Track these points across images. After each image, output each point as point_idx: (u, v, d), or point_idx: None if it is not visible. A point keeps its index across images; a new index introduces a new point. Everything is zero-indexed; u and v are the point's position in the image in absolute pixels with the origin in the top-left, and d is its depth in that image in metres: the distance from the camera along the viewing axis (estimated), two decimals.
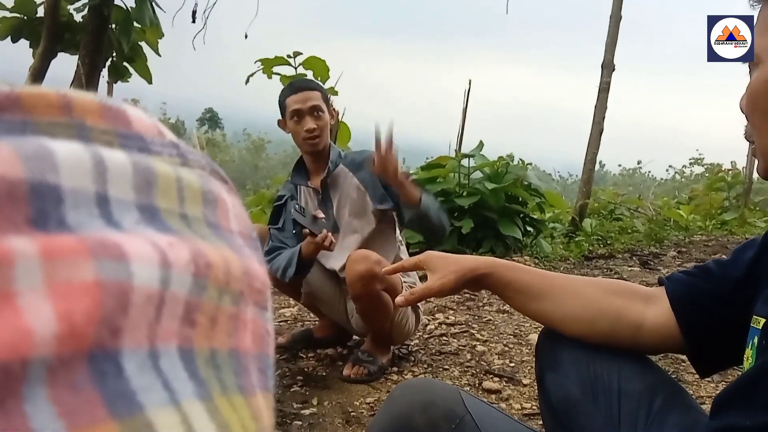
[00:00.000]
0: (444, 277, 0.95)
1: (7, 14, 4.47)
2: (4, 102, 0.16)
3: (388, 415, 0.81)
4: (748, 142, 0.75)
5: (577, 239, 5.28)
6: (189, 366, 0.16)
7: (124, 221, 0.16)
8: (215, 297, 0.17)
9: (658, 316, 0.87)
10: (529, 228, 4.71)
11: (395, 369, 2.21)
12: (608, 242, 5.30)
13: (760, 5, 0.66)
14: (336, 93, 4.69)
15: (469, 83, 6.60)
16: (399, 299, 1.00)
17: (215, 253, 0.17)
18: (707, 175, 13.36)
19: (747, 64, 0.69)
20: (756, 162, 0.72)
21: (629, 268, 4.26)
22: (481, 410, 0.78)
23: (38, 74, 4.48)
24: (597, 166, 6.43)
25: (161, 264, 0.15)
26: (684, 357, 2.38)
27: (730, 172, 9.38)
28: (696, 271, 0.88)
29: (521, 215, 4.60)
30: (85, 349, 0.14)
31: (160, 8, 4.41)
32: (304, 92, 2.18)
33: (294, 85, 2.24)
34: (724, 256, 0.93)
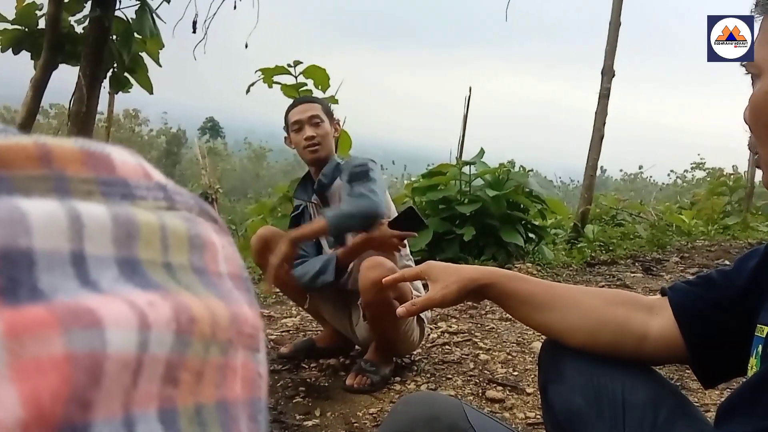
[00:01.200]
0: (446, 287, 0.94)
1: (9, 26, 4.49)
2: None
3: (392, 429, 0.80)
4: (751, 152, 0.74)
5: (579, 245, 5.26)
6: (170, 427, 0.16)
7: (102, 280, 0.15)
8: (201, 351, 0.17)
9: (662, 327, 0.86)
10: (531, 235, 4.70)
11: (398, 379, 2.20)
12: (610, 248, 5.29)
13: (762, 16, 0.66)
14: (336, 101, 4.70)
15: (470, 91, 6.61)
16: (400, 310, 0.99)
17: (200, 306, 0.17)
18: (709, 179, 13.34)
19: (750, 76, 0.69)
20: (756, 170, 0.72)
21: (632, 274, 4.25)
22: (484, 424, 0.78)
23: (39, 86, 4.49)
24: (598, 172, 6.42)
25: (139, 326, 0.15)
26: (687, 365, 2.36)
27: (732, 177, 9.37)
28: (699, 281, 0.87)
29: (523, 222, 4.59)
30: (53, 430, 0.13)
31: (161, 19, 4.42)
32: (304, 105, 2.25)
33: (295, 101, 2.31)
34: (727, 263, 0.92)
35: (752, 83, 0.68)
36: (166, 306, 0.16)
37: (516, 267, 4.18)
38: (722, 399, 0.75)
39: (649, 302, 0.90)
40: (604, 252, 5.17)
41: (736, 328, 0.79)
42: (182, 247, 0.18)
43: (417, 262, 2.39)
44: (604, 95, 5.55)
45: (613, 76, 5.56)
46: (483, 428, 0.77)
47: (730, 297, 0.82)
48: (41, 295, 0.14)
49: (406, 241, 2.33)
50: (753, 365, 0.74)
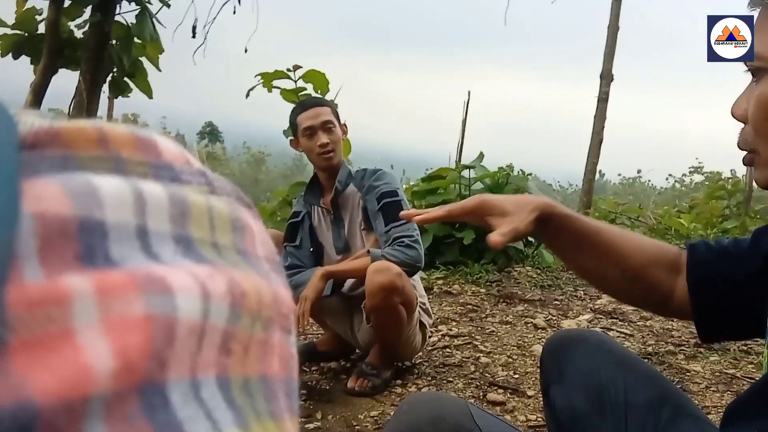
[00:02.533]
0: (525, 220, 0.86)
1: (8, 31, 4.50)
2: (44, 138, 0.16)
3: (397, 429, 0.80)
4: (746, 151, 0.73)
5: None
6: (226, 395, 0.17)
7: (163, 253, 0.16)
8: (248, 325, 0.18)
9: (682, 286, 0.87)
10: (530, 238, 4.71)
11: (399, 382, 2.20)
12: None
13: (758, 9, 0.65)
14: (336, 106, 4.70)
15: (468, 95, 6.62)
16: (495, 238, 0.85)
17: (248, 282, 0.18)
18: (707, 183, 13.36)
19: (749, 72, 0.69)
20: (753, 171, 0.72)
21: None
22: (489, 423, 0.78)
23: (39, 90, 4.50)
24: (597, 176, 6.44)
25: (202, 296, 0.16)
26: (688, 367, 2.37)
27: (730, 180, 9.38)
28: (717, 248, 0.86)
29: None
30: (137, 383, 0.14)
31: (161, 24, 4.43)
32: (315, 108, 2.19)
33: (304, 103, 2.26)
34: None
35: (756, 80, 0.67)
36: (222, 279, 0.17)
37: (516, 270, 4.19)
38: (723, 401, 0.75)
39: (679, 260, 0.89)
40: None
41: (746, 301, 0.79)
42: (226, 229, 0.19)
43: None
44: (603, 99, 5.57)
45: (612, 80, 5.58)
46: (489, 428, 0.77)
47: (743, 271, 0.81)
48: (114, 262, 0.15)
49: None
50: (766, 355, 0.74)
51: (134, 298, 0.14)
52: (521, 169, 5.38)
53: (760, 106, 0.65)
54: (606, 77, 5.55)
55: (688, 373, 2.36)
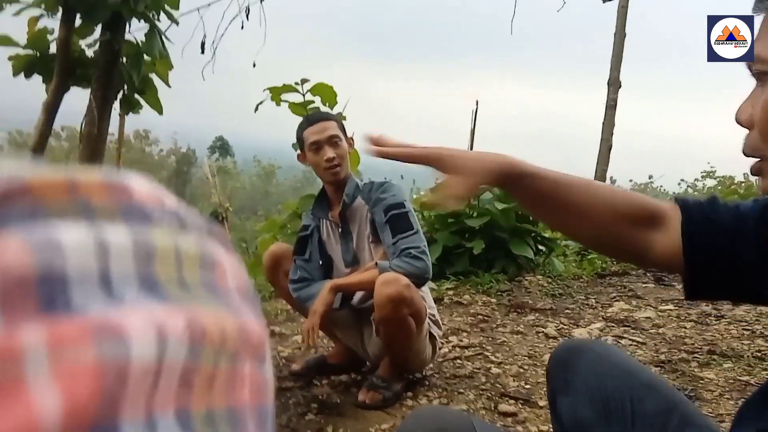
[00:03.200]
0: (474, 176, 0.85)
1: (21, 51, 4.58)
2: (15, 191, 0.17)
3: None
4: (754, 157, 0.72)
5: (589, 257, 5.25)
6: (186, 427, 0.17)
7: (126, 294, 0.17)
8: (211, 359, 0.18)
9: (665, 244, 0.84)
10: (540, 247, 4.69)
11: (410, 394, 2.20)
12: None
13: (764, 14, 0.65)
14: (344, 118, 4.73)
15: (476, 104, 6.63)
16: (450, 202, 0.84)
17: (211, 318, 0.19)
18: (720, 187, 13.24)
19: (754, 76, 0.68)
20: (760, 180, 0.70)
21: (643, 285, 4.23)
22: None
23: (51, 109, 4.56)
24: (608, 182, 6.42)
25: (158, 337, 0.17)
26: (701, 375, 2.35)
27: (743, 185, 9.31)
28: (716, 211, 0.82)
29: (532, 234, 4.58)
30: (87, 426, 0.15)
31: (170, 41, 4.49)
32: (321, 123, 2.21)
33: (310, 118, 2.27)
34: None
35: (761, 84, 0.66)
36: (181, 318, 0.18)
37: (526, 279, 4.18)
38: (737, 408, 0.75)
39: (659, 213, 0.86)
40: (614, 263, 5.15)
41: (744, 266, 0.77)
42: (194, 266, 0.20)
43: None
44: (611, 106, 5.57)
45: (620, 87, 5.57)
46: None
47: (745, 244, 0.78)
48: (75, 309, 0.16)
49: None
50: None
51: (86, 346, 0.15)
52: None
53: (767, 110, 0.64)
54: (614, 84, 5.55)
55: (701, 381, 2.34)
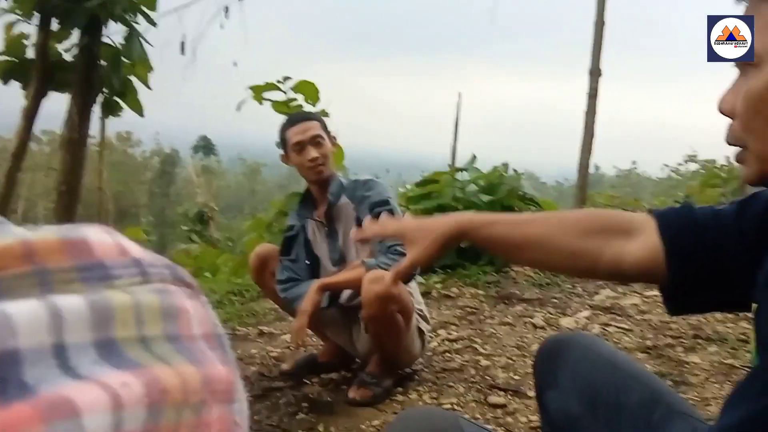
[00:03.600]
0: (426, 247, 0.95)
1: None
2: None
3: None
4: (734, 146, 0.72)
5: None
6: None
7: (81, 365, 0.17)
8: (173, 416, 0.19)
9: (640, 250, 0.84)
10: None
11: (400, 390, 2.21)
12: None
13: (746, 3, 0.65)
14: (327, 115, 4.73)
15: (459, 96, 6.66)
16: (387, 279, 1.05)
17: (171, 376, 0.19)
18: (702, 171, 13.38)
19: (736, 66, 0.69)
20: (744, 169, 0.70)
21: None
22: None
23: (30, 114, 4.53)
24: (592, 169, 6.47)
25: (113, 408, 0.17)
26: (687, 359, 2.38)
27: (725, 168, 9.41)
28: (690, 215, 0.84)
29: None
30: None
31: (148, 43, 4.46)
32: (303, 123, 2.22)
33: (293, 118, 2.28)
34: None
35: (743, 74, 0.67)
36: (139, 383, 0.18)
37: (513, 270, 4.20)
38: (723, 392, 0.76)
39: (628, 222, 0.88)
40: None
41: (727, 273, 0.78)
42: (156, 320, 0.20)
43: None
44: (592, 95, 5.60)
45: (600, 76, 5.61)
46: None
47: (729, 242, 0.79)
48: (27, 389, 0.16)
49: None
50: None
51: (37, 428, 0.15)
52: (514, 169, 5.40)
53: (749, 100, 0.65)
54: (594, 73, 5.58)
55: (687, 365, 2.37)
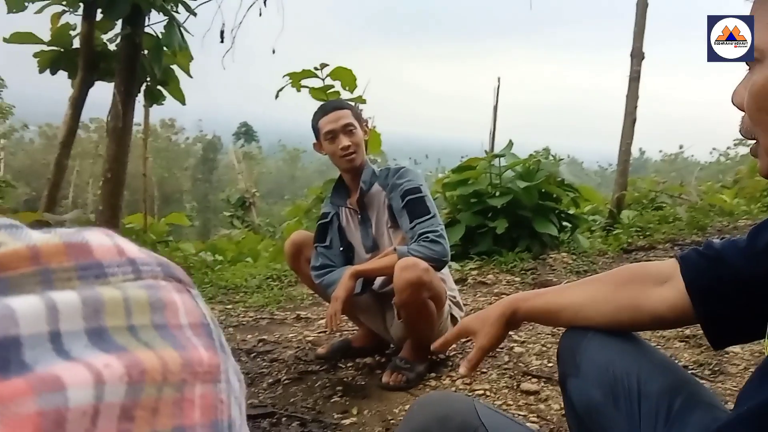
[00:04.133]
0: (488, 333, 1.05)
1: (45, 47, 4.67)
2: None
3: (407, 429, 0.84)
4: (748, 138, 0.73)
5: (615, 232, 5.21)
6: None
7: (73, 349, 0.20)
8: (154, 392, 0.21)
9: (672, 296, 0.89)
10: (565, 224, 4.67)
11: (433, 375, 2.23)
12: (648, 233, 5.21)
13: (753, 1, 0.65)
14: (364, 101, 4.74)
15: (498, 81, 6.58)
16: (462, 370, 1.10)
17: (152, 358, 0.22)
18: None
19: (744, 62, 0.69)
20: (758, 161, 0.71)
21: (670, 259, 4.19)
22: (495, 421, 0.81)
23: (77, 103, 4.66)
24: (637, 154, 6.36)
25: (95, 383, 0.20)
26: (727, 348, 2.34)
27: None
28: (710, 254, 0.87)
29: (556, 212, 4.56)
30: None
31: (188, 32, 4.54)
32: (335, 112, 2.24)
33: (325, 107, 2.29)
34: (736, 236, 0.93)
35: (749, 69, 0.68)
36: (120, 364, 0.21)
37: (551, 257, 4.17)
38: (739, 386, 0.77)
39: (659, 271, 0.93)
40: (641, 237, 5.10)
41: (752, 303, 0.80)
42: (144, 311, 0.23)
43: (451, 257, 2.42)
44: (635, 78, 5.47)
45: (643, 59, 5.47)
46: (494, 425, 0.80)
47: (744, 276, 0.81)
48: (26, 367, 0.19)
49: None
50: (766, 346, 0.75)
51: (28, 399, 0.18)
52: (553, 155, 5.34)
53: (753, 95, 0.65)
54: (636, 56, 5.44)
55: (726, 355, 2.33)
